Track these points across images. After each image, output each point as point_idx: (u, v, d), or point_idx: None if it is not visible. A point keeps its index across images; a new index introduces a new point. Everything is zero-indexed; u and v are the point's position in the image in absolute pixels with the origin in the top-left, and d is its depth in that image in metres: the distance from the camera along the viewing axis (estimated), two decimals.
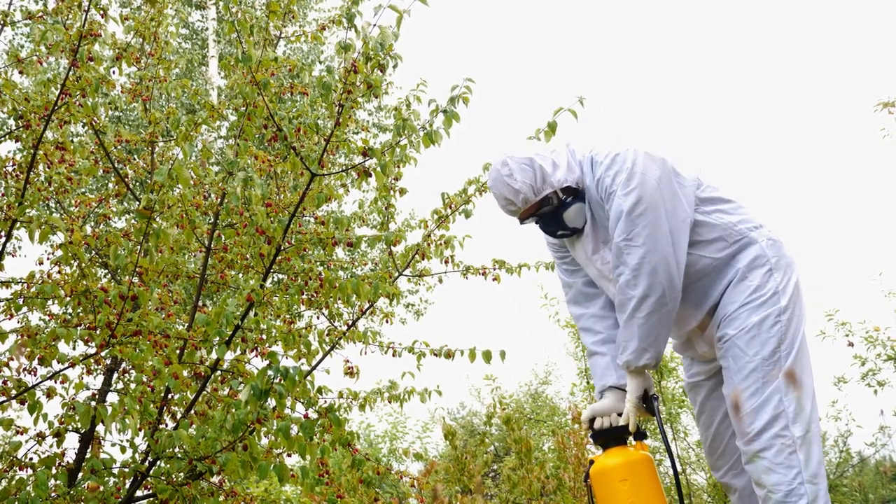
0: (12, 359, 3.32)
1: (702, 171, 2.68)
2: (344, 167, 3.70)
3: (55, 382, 3.29)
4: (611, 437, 2.61)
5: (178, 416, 3.62)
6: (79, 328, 3.21)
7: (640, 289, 2.46)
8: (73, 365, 3.15)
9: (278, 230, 3.38)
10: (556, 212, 2.68)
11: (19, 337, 3.25)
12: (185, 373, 3.38)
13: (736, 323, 2.49)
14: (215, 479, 3.72)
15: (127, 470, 3.25)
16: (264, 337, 3.58)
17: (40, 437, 3.34)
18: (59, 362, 3.15)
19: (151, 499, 3.43)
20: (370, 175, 3.43)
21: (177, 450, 3.08)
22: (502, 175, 2.63)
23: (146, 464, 3.30)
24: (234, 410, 2.87)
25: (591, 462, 2.60)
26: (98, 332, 3.05)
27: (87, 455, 3.63)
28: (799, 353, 2.43)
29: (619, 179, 2.51)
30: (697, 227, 2.56)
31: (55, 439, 3.20)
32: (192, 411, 3.57)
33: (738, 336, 2.48)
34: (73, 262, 3.27)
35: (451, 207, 3.90)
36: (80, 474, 3.48)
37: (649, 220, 2.45)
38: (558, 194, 2.65)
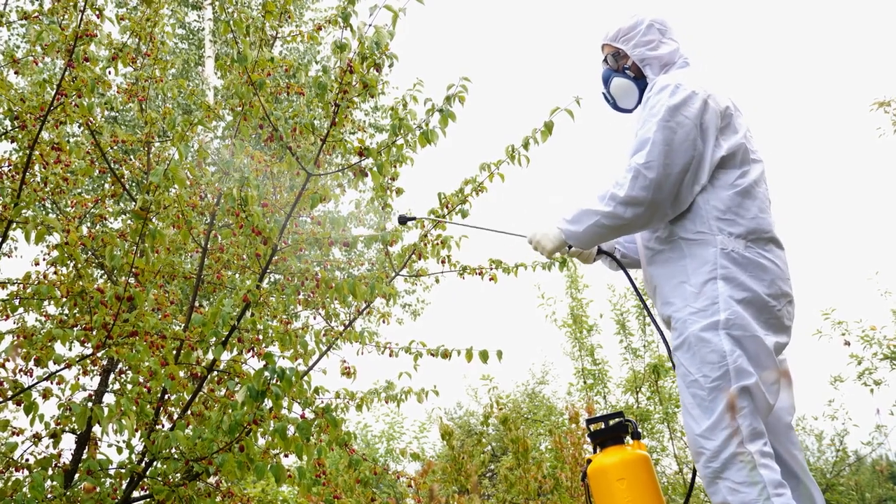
0: (8, 360, 3.32)
1: (756, 152, 2.60)
2: (340, 167, 3.70)
3: (51, 383, 3.28)
4: (608, 437, 2.61)
5: (175, 416, 3.62)
6: (75, 329, 3.21)
7: (621, 210, 2.49)
8: (69, 366, 3.15)
9: (274, 230, 3.38)
10: (611, 70, 2.82)
11: (15, 338, 3.24)
12: (181, 373, 3.37)
13: (678, 341, 2.45)
14: (212, 479, 3.72)
15: (123, 471, 3.25)
16: (261, 337, 3.58)
17: (36, 438, 3.33)
18: (55, 363, 3.15)
19: (148, 499, 3.43)
20: (366, 175, 3.42)
21: (173, 451, 3.08)
22: (629, 9, 2.80)
23: (143, 465, 3.30)
24: (230, 411, 2.87)
25: (589, 461, 2.60)
26: (94, 332, 3.05)
27: (84, 456, 3.63)
28: (747, 371, 2.34)
29: (660, 109, 2.49)
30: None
31: (51, 440, 3.20)
32: (189, 412, 3.56)
33: (681, 350, 2.43)
34: (69, 262, 3.27)
35: (447, 207, 3.90)
36: (77, 475, 3.47)
37: (668, 164, 2.43)
38: (626, 59, 2.78)
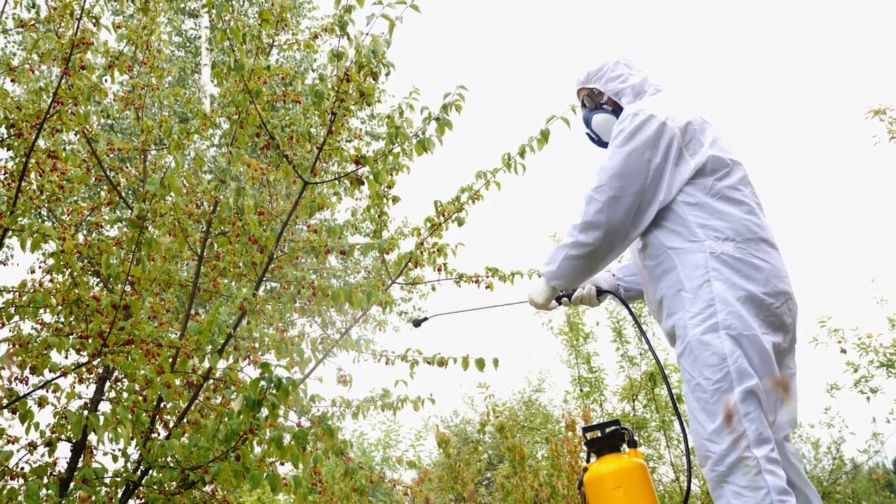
0: (4, 368, 3.31)
1: (735, 153, 2.62)
2: (336, 175, 3.70)
3: (47, 391, 3.28)
4: (605, 445, 2.61)
5: (171, 425, 3.61)
6: (71, 337, 3.20)
7: (582, 237, 2.58)
8: (64, 374, 3.14)
9: (271, 238, 3.38)
10: (591, 109, 2.93)
11: (11, 346, 3.23)
12: (177, 382, 3.37)
13: (681, 348, 2.45)
14: (208, 488, 3.71)
15: (119, 479, 3.23)
16: (257, 345, 3.57)
17: (32, 446, 3.32)
18: (50, 371, 3.14)
19: None
20: (363, 183, 3.43)
21: (169, 459, 3.07)
22: (596, 54, 2.92)
23: (138, 473, 3.29)
24: (226, 420, 2.86)
25: (585, 469, 2.60)
26: (90, 340, 3.04)
27: (79, 464, 3.62)
28: (748, 372, 2.33)
29: (620, 136, 2.58)
30: (666, 212, 2.56)
31: (47, 448, 3.19)
32: (185, 420, 3.56)
33: (683, 357, 2.44)
34: (65, 270, 3.26)
35: (443, 215, 3.90)
36: (72, 484, 3.46)
37: (622, 186, 2.52)
38: (602, 96, 2.89)
